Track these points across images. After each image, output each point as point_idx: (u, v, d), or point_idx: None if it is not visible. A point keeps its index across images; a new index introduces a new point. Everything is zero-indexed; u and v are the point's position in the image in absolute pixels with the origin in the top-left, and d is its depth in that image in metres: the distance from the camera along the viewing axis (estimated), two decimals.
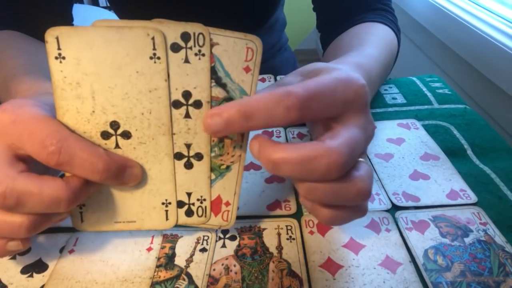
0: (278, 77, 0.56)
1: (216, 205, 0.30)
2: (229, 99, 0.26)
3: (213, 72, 0.25)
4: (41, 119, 0.24)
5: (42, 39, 0.51)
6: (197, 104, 0.26)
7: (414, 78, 0.57)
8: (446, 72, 0.92)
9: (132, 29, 0.24)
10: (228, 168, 0.29)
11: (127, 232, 0.32)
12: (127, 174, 0.26)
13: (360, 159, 0.25)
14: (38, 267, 0.30)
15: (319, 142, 0.23)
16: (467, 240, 0.31)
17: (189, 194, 0.29)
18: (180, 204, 0.29)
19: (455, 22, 0.84)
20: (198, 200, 0.29)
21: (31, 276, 0.29)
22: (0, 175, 0.23)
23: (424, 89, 0.54)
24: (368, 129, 0.26)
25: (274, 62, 0.72)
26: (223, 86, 0.26)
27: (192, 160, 0.28)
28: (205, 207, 0.29)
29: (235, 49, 0.25)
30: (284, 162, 0.23)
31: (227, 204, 0.30)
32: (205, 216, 0.30)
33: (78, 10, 0.57)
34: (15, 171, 0.24)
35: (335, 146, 0.23)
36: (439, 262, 0.29)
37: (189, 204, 0.29)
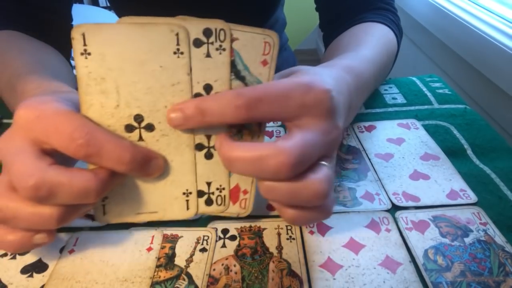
0: None
1: (235, 193, 0.30)
2: None
3: (233, 65, 0.26)
4: (66, 114, 0.25)
5: (41, 39, 0.51)
6: None
7: (414, 78, 0.57)
8: (446, 72, 0.92)
9: (156, 26, 0.25)
10: None
11: (127, 232, 0.32)
12: (152, 165, 0.27)
13: (323, 162, 0.26)
14: (38, 267, 0.30)
15: (272, 142, 0.25)
16: (467, 240, 0.31)
17: (208, 184, 0.29)
18: (200, 193, 0.30)
19: (455, 22, 0.84)
20: (217, 189, 0.30)
21: (31, 276, 0.29)
22: (32, 167, 0.24)
23: (424, 89, 0.54)
24: (331, 133, 0.27)
25: None
26: (242, 79, 0.27)
27: (212, 150, 0.28)
28: (224, 196, 0.30)
29: (254, 44, 0.26)
30: (237, 160, 0.25)
31: (245, 192, 0.30)
32: (224, 205, 0.30)
33: (78, 10, 0.57)
34: (45, 164, 0.24)
35: (284, 147, 0.24)
36: (439, 262, 0.29)
37: (208, 193, 0.30)
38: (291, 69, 0.31)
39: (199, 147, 0.28)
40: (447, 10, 0.89)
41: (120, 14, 0.65)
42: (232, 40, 0.26)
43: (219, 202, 0.30)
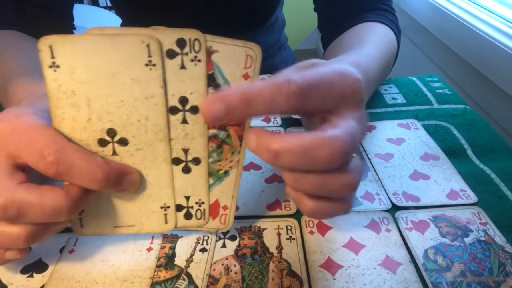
0: None
1: (214, 209, 0.30)
2: None
3: (212, 79, 0.25)
4: (38, 129, 0.24)
5: None
6: (194, 110, 0.26)
7: (414, 78, 0.57)
8: (446, 72, 0.92)
9: (126, 37, 0.24)
10: (226, 173, 0.29)
11: None
12: (125, 181, 0.26)
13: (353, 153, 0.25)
14: (38, 267, 0.30)
15: (321, 131, 0.23)
16: (467, 240, 0.31)
17: (187, 198, 0.29)
18: (178, 207, 0.29)
19: (455, 22, 0.84)
20: (196, 203, 0.29)
21: (31, 276, 0.29)
22: (0, 187, 0.23)
23: (424, 89, 0.54)
24: (363, 122, 0.26)
25: (273, 61, 0.72)
26: None
27: (190, 164, 0.28)
28: (204, 209, 0.30)
29: (235, 57, 0.25)
30: (285, 152, 0.22)
31: (225, 208, 0.30)
32: (204, 219, 0.30)
33: (78, 10, 0.57)
34: (15, 182, 0.24)
35: (337, 135, 0.22)
36: (439, 262, 0.29)
37: (187, 207, 0.29)
38: (305, 63, 0.30)
39: (176, 161, 0.28)
40: (447, 10, 0.89)
41: (121, 14, 0.65)
42: (212, 52, 0.25)
43: (198, 216, 0.30)
